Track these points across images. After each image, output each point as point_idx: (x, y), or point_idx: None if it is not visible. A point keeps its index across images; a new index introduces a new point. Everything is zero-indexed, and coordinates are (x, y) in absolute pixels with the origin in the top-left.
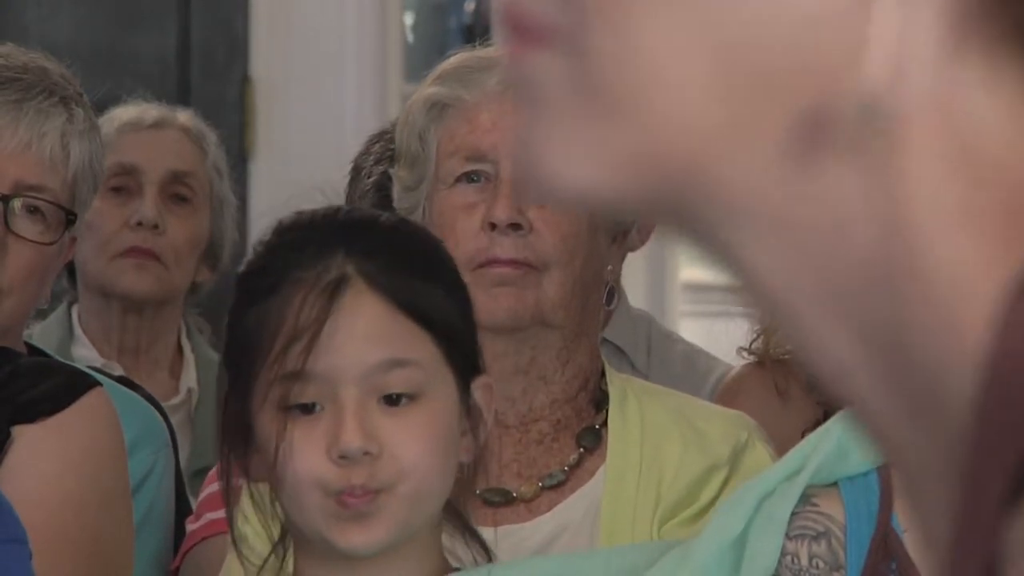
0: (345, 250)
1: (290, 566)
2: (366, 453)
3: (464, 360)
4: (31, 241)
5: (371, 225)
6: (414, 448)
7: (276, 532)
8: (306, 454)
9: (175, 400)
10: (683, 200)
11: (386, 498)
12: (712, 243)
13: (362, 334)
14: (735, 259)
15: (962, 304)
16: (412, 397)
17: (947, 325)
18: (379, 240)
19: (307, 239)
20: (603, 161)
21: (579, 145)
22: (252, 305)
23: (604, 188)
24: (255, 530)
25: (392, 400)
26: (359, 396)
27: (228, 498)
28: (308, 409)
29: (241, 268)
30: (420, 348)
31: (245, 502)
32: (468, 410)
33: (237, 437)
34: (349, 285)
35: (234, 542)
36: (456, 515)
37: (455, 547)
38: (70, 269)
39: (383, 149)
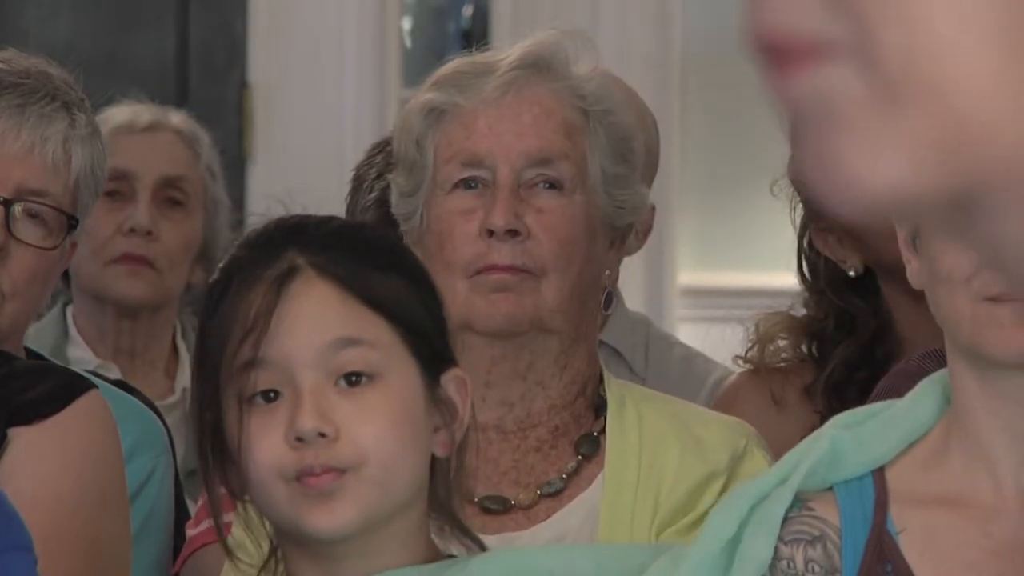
0: (296, 246)
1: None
2: (322, 435)
3: (430, 351)
4: (33, 246)
5: (323, 224)
6: (372, 428)
7: (266, 548)
8: (265, 442)
9: (170, 400)
10: (981, 181)
11: (351, 479)
12: (996, 231)
13: (312, 317)
14: (1007, 243)
15: None
16: (370, 378)
17: None
18: (330, 234)
19: (260, 241)
20: (912, 154)
21: (887, 145)
22: (213, 312)
23: (915, 183)
24: (251, 537)
25: (351, 381)
26: (315, 379)
27: (214, 508)
28: (269, 399)
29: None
30: (374, 329)
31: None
32: (439, 404)
33: (214, 446)
34: (298, 274)
35: (227, 550)
36: (447, 514)
37: (449, 548)
38: (64, 270)
39: (385, 162)
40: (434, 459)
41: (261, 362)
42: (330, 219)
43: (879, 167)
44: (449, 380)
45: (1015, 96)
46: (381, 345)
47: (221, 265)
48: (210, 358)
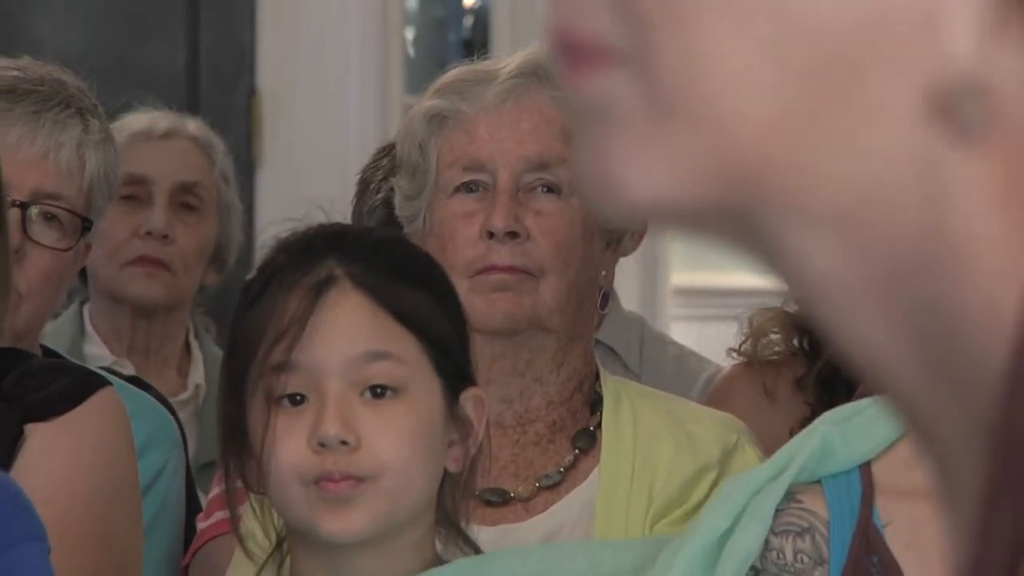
0: (335, 255)
1: (287, 566)
2: (343, 443)
3: (453, 368)
4: (48, 247)
5: (363, 234)
6: (392, 440)
7: (274, 538)
8: (288, 444)
9: (183, 396)
10: (751, 202)
11: (368, 488)
12: (768, 247)
13: (345, 328)
14: (789, 259)
15: (999, 284)
16: (395, 391)
17: (985, 306)
18: (369, 246)
19: (300, 246)
20: (679, 169)
21: (655, 156)
22: (248, 311)
23: (680, 197)
24: (263, 528)
25: (376, 393)
26: (341, 388)
27: (231, 499)
28: (295, 402)
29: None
30: (402, 345)
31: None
32: (456, 420)
33: (235, 442)
34: (335, 284)
35: (239, 540)
36: (451, 522)
37: (449, 553)
38: (82, 270)
39: (391, 165)
40: (444, 471)
41: (291, 366)
42: (370, 230)
43: (644, 177)
44: (468, 398)
45: (792, 127)
46: (408, 360)
47: (259, 265)
48: (240, 356)
